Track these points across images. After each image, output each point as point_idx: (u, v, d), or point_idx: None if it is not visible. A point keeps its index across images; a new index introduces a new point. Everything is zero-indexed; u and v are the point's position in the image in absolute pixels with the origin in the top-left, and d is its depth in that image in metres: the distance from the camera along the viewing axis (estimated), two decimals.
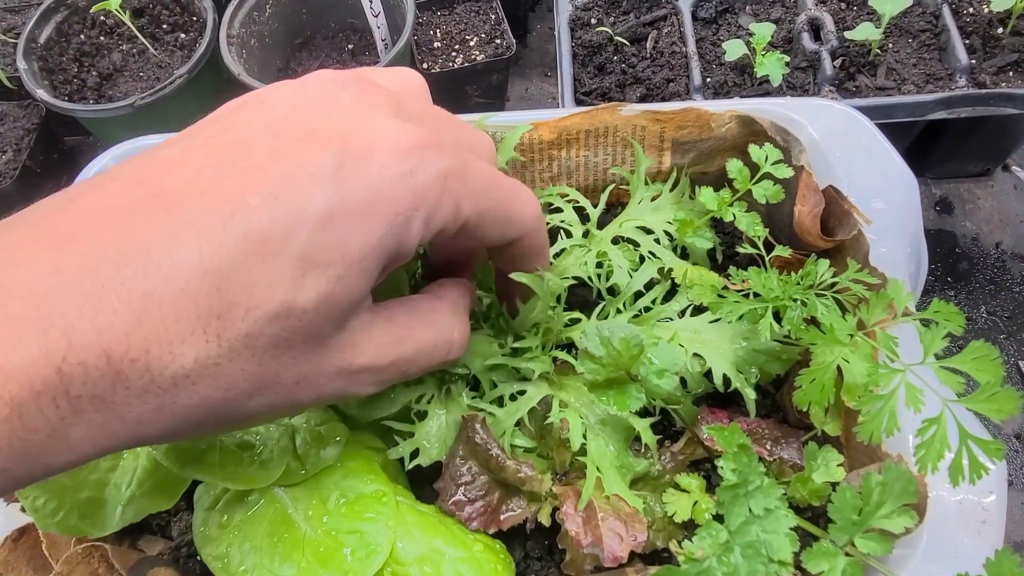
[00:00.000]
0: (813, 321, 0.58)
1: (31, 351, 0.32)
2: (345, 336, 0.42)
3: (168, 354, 0.35)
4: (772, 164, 0.66)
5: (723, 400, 0.71)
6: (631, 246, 0.72)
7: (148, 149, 0.42)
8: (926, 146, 1.39)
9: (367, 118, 0.42)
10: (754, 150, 0.67)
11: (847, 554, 0.49)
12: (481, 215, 0.46)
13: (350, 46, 1.61)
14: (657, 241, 0.72)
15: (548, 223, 0.68)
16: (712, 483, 0.62)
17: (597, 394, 0.55)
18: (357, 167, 0.40)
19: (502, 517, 0.60)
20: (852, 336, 0.54)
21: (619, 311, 0.69)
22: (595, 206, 0.77)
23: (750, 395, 0.60)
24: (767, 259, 0.67)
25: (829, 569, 0.48)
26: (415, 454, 0.62)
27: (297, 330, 0.39)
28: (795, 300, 0.60)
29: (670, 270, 0.70)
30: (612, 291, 0.70)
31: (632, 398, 0.55)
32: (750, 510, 0.47)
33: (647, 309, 0.68)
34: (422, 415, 0.63)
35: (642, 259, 0.71)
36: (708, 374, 0.62)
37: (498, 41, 1.51)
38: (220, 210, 0.37)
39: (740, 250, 0.70)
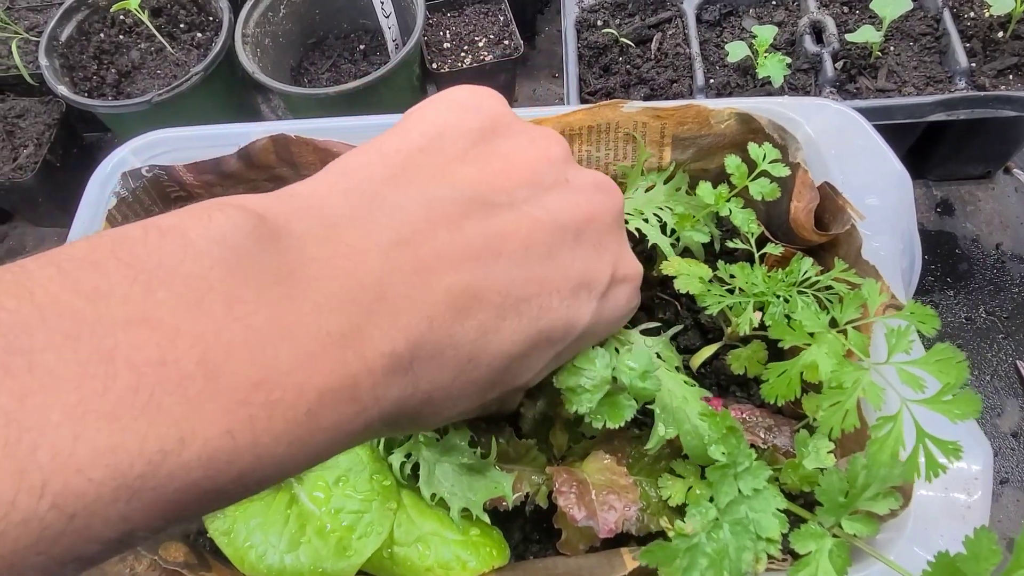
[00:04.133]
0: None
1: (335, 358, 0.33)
2: None
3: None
4: (769, 162, 0.67)
5: (720, 389, 0.72)
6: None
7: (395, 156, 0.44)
8: (927, 148, 1.39)
9: (623, 247, 0.51)
10: (752, 148, 0.68)
11: (834, 535, 0.50)
12: None
13: (361, 46, 1.62)
14: (646, 221, 0.73)
15: None
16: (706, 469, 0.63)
17: (592, 416, 0.56)
18: (612, 300, 0.49)
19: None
20: (826, 333, 0.55)
21: None
22: None
23: None
24: (757, 256, 0.68)
25: (816, 550, 0.49)
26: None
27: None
28: (778, 296, 0.61)
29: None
30: None
31: (625, 408, 0.55)
32: (739, 490, 0.48)
33: None
34: None
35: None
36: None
37: (506, 42, 1.52)
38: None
39: (730, 245, 0.71)
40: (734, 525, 0.47)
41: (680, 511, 0.61)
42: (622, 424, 0.55)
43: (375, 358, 0.34)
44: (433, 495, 0.58)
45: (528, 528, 0.66)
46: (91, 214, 0.81)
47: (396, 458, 0.58)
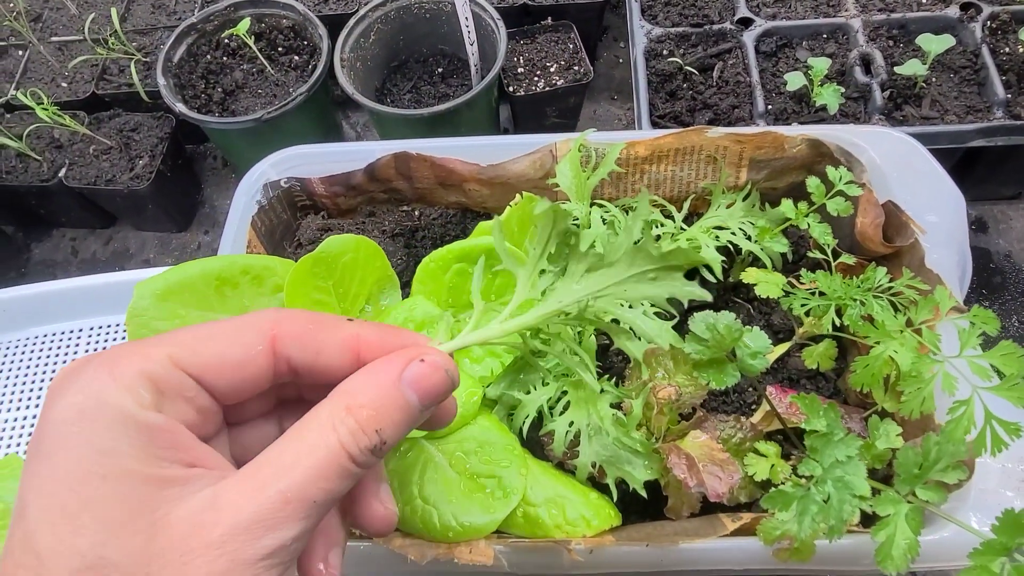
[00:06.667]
0: (870, 318, 0.66)
1: None
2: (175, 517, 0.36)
3: None
4: (845, 183, 0.74)
5: (791, 382, 0.79)
6: (715, 232, 0.81)
7: None
8: (964, 170, 1.45)
9: None
10: (830, 171, 0.75)
11: (909, 502, 0.56)
12: None
13: (440, 69, 1.70)
14: (734, 235, 0.81)
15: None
16: (785, 450, 0.70)
17: (700, 371, 0.63)
18: None
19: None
20: (901, 331, 0.62)
21: None
22: (679, 211, 0.86)
23: None
24: (833, 264, 0.75)
25: (895, 513, 0.56)
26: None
27: None
28: (855, 300, 0.68)
29: (747, 256, 0.78)
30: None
31: (729, 375, 0.63)
32: (836, 457, 0.55)
33: None
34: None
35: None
36: None
37: (576, 68, 1.59)
38: None
39: (809, 255, 0.78)
40: (836, 482, 0.54)
41: (763, 486, 0.68)
42: (723, 388, 0.63)
43: None
44: (542, 458, 0.64)
45: (628, 499, 0.73)
46: (239, 219, 0.89)
47: (559, 425, 0.65)
